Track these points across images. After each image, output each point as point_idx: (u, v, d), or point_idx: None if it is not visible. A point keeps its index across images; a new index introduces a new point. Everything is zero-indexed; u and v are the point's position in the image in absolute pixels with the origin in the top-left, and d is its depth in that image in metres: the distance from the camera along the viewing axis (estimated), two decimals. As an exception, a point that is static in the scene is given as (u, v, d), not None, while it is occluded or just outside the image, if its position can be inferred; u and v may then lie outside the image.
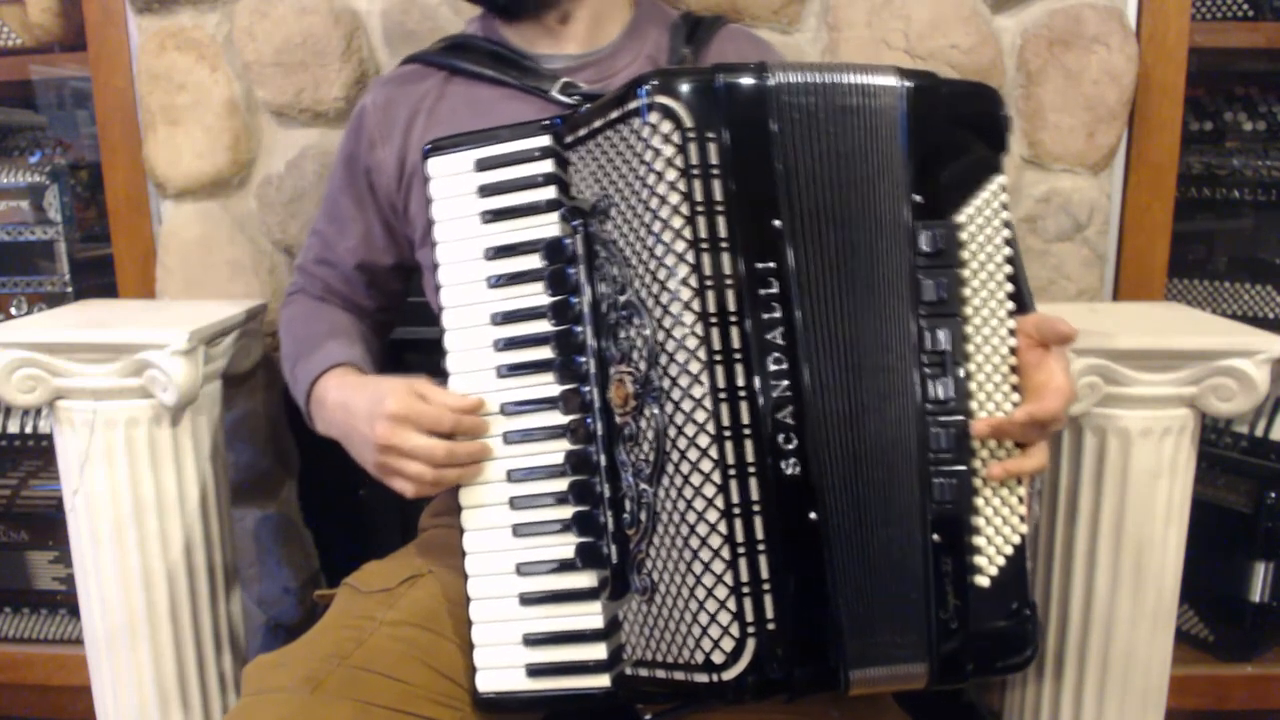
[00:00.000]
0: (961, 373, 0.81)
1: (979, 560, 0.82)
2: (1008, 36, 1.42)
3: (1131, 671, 1.25)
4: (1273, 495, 1.57)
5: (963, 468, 0.81)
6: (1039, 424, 0.82)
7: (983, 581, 0.82)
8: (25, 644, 1.75)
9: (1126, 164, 1.46)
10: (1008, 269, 0.84)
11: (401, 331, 1.28)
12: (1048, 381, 0.83)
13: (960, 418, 0.81)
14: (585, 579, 0.86)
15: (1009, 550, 0.83)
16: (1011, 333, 0.84)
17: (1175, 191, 1.47)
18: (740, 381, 0.76)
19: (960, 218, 0.82)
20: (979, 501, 0.82)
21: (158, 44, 1.47)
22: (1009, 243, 0.84)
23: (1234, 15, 1.58)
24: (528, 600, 0.87)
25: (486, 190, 0.89)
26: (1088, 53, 1.38)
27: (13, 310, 1.74)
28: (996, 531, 0.83)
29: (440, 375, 0.92)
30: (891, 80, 0.81)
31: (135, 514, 1.27)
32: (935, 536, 0.81)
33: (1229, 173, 1.69)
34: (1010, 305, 0.84)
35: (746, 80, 0.78)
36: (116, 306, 1.49)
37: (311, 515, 1.65)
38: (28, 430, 1.74)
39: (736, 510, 0.76)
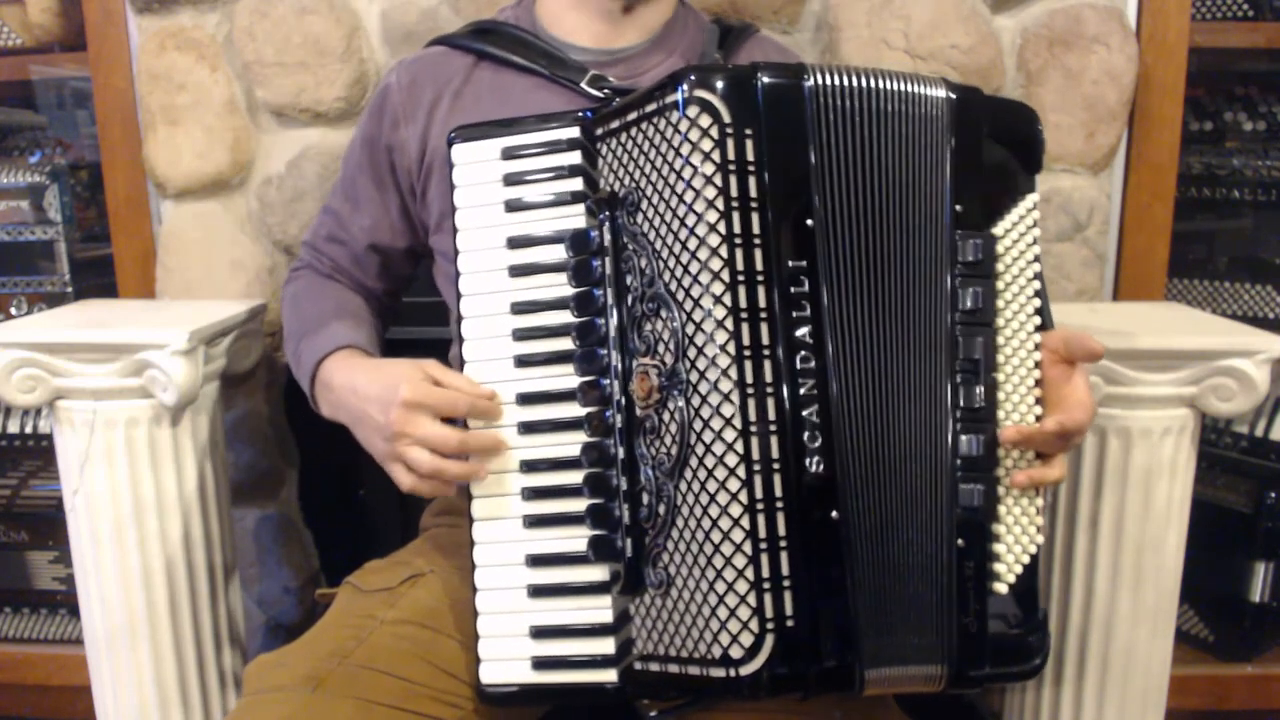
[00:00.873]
0: (992, 382, 0.83)
1: (998, 567, 0.83)
2: (1008, 36, 1.42)
3: (1131, 671, 1.25)
4: (1273, 495, 1.57)
5: (991, 475, 0.83)
6: (1066, 434, 0.83)
7: (1001, 588, 0.83)
8: (25, 644, 1.75)
9: (1126, 164, 1.46)
10: (1036, 284, 0.85)
11: (400, 331, 1.28)
12: (1072, 395, 0.85)
13: (990, 425, 0.82)
14: (597, 572, 0.85)
15: (1026, 559, 0.84)
16: (1037, 346, 0.85)
17: (1175, 191, 1.47)
18: (768, 378, 0.76)
19: (997, 230, 0.84)
20: (1001, 509, 0.83)
21: (158, 44, 1.47)
22: (1037, 259, 0.86)
23: (1234, 15, 1.58)
24: (536, 592, 0.86)
25: (511, 179, 0.88)
26: (1088, 53, 1.38)
27: (13, 310, 1.74)
28: (1016, 540, 0.84)
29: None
30: (940, 91, 0.83)
31: (135, 514, 1.27)
32: (960, 541, 0.81)
33: (1229, 173, 1.69)
34: (1037, 320, 0.85)
35: (786, 80, 0.79)
36: (116, 306, 1.49)
37: (311, 515, 1.65)
38: (28, 430, 1.74)
39: (760, 506, 0.76)
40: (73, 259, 1.73)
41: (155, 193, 1.54)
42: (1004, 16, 1.42)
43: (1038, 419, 0.84)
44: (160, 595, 1.29)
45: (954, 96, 0.83)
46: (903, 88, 0.82)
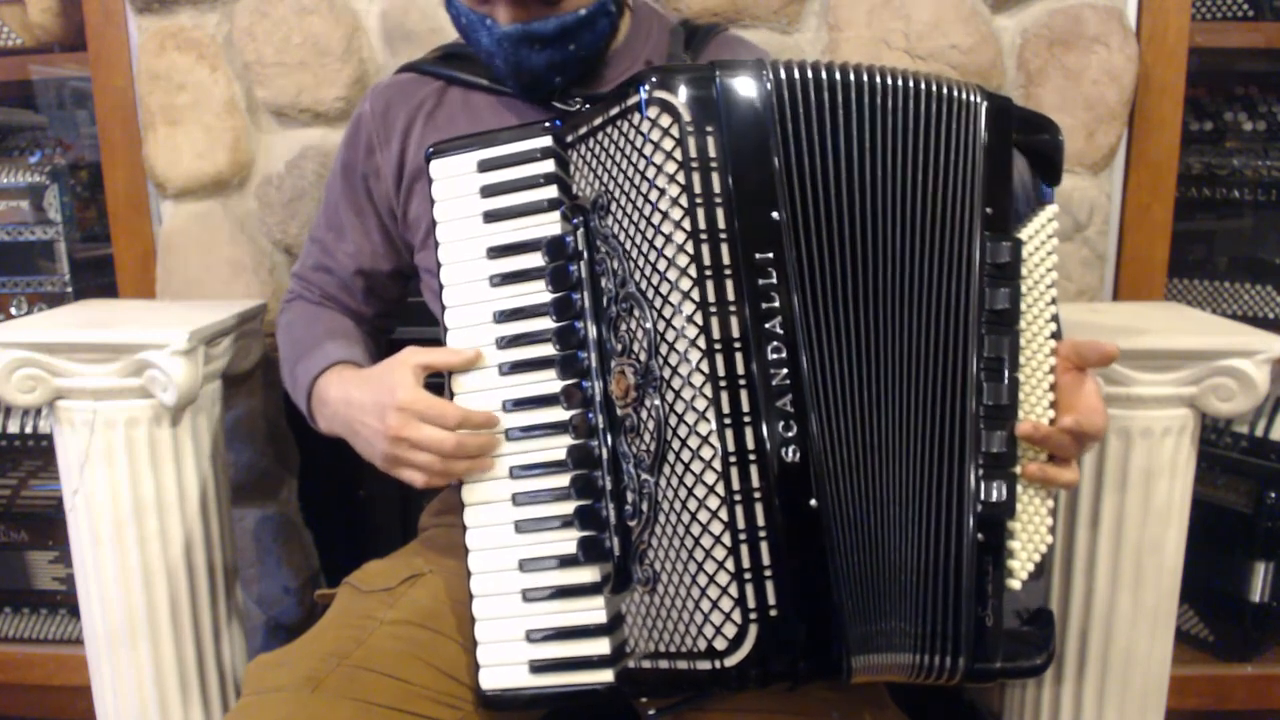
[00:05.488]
0: (1015, 381, 0.83)
1: (1013, 564, 0.84)
2: (1008, 36, 1.42)
3: (1131, 671, 1.25)
4: (1273, 495, 1.57)
5: (1011, 472, 0.83)
6: (1081, 434, 0.84)
7: (1014, 585, 0.84)
8: (25, 644, 1.75)
9: (1126, 164, 1.47)
10: (1053, 292, 0.86)
11: (401, 331, 1.28)
12: (1084, 401, 0.86)
13: (1013, 423, 0.83)
14: (588, 574, 0.86)
15: (1037, 558, 0.85)
16: (1052, 352, 0.86)
17: (1175, 191, 1.47)
18: (740, 369, 0.77)
19: (1022, 235, 0.85)
20: (1018, 507, 0.84)
21: (158, 44, 1.47)
22: (1054, 268, 0.87)
23: (1234, 15, 1.58)
24: (530, 597, 0.87)
25: (489, 191, 0.90)
26: (1088, 53, 1.38)
27: (13, 310, 1.74)
28: (1029, 538, 0.85)
29: (438, 373, 0.92)
30: (975, 97, 0.84)
31: (135, 514, 1.27)
32: (980, 535, 0.82)
33: (1229, 173, 1.69)
34: (1053, 326, 0.86)
35: (745, 76, 0.80)
36: (116, 306, 1.49)
37: (311, 515, 1.65)
38: (28, 430, 1.74)
39: (737, 497, 0.76)
40: (73, 259, 1.73)
41: (155, 193, 1.54)
42: (1004, 16, 1.42)
43: (1051, 423, 0.85)
44: (160, 595, 1.29)
45: (988, 103, 0.84)
46: (910, 85, 0.82)
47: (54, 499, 1.70)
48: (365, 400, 0.93)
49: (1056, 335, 0.87)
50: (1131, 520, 1.21)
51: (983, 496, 0.82)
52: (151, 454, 1.27)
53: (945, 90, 0.83)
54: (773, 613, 0.76)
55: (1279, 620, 1.63)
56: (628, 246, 0.81)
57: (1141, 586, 1.22)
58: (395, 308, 1.23)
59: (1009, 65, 1.42)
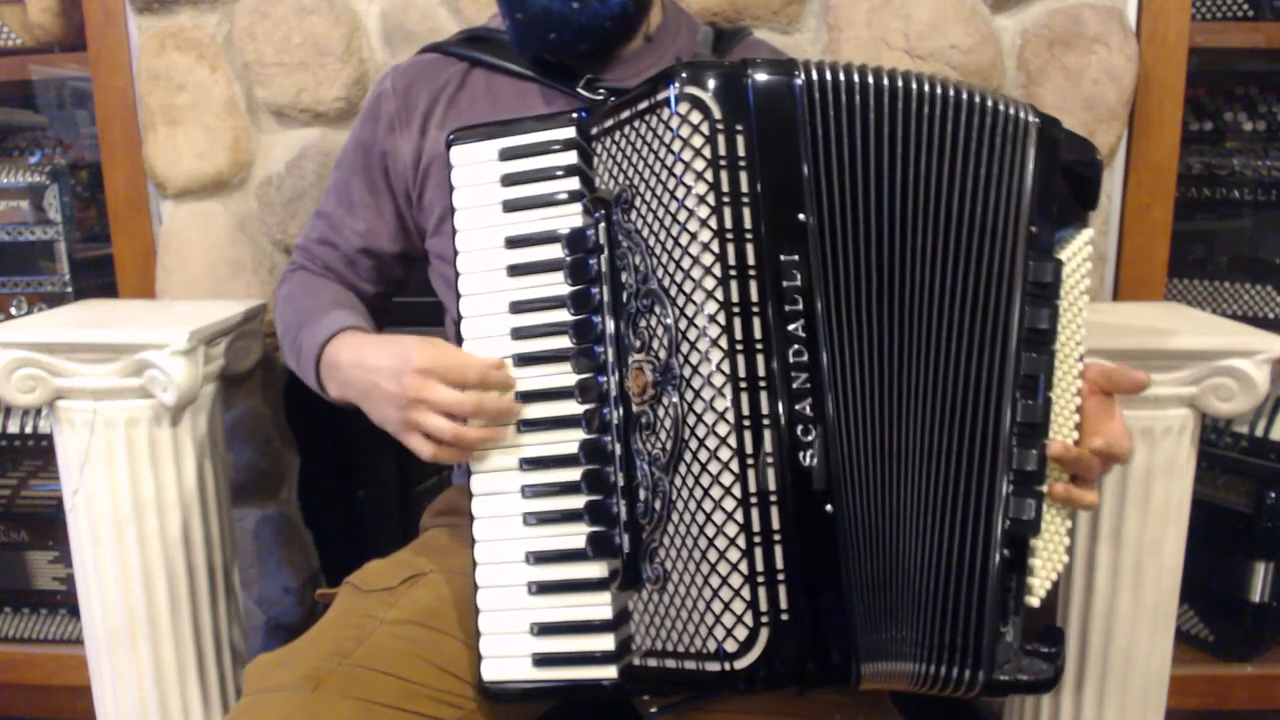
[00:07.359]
0: (1048, 401, 0.83)
1: (1033, 581, 0.84)
2: (1008, 36, 1.42)
3: (1131, 671, 1.25)
4: (1273, 495, 1.57)
5: (1040, 490, 0.83)
6: (1109, 456, 0.83)
7: (1034, 602, 0.83)
8: (25, 644, 1.75)
9: (1126, 164, 1.46)
10: (1084, 315, 0.86)
11: (399, 332, 1.28)
12: (1109, 424, 0.86)
13: (1044, 442, 0.83)
14: (595, 569, 0.86)
15: (1055, 576, 0.85)
16: (1080, 375, 0.86)
17: (1175, 191, 1.47)
18: (761, 371, 0.76)
19: (1062, 256, 0.85)
20: (1041, 525, 0.84)
21: (158, 44, 1.47)
22: (1086, 292, 0.86)
23: (1234, 15, 1.59)
24: (537, 589, 0.87)
25: (509, 180, 0.89)
26: (1088, 53, 1.38)
27: (13, 310, 1.74)
28: (1049, 557, 0.84)
29: None
30: (1024, 114, 0.83)
31: (135, 514, 1.27)
32: (1006, 552, 0.81)
33: (1229, 173, 1.69)
34: (1082, 349, 0.86)
35: (776, 76, 0.79)
36: (116, 306, 1.49)
37: (311, 515, 1.65)
38: (28, 430, 1.74)
39: (754, 499, 0.75)
40: (73, 259, 1.73)
41: (155, 193, 1.54)
42: (1004, 16, 1.42)
43: (1076, 444, 0.85)
44: (160, 595, 1.29)
45: (1040, 122, 0.84)
46: (953, 95, 0.81)
47: (54, 499, 1.70)
48: (382, 363, 0.92)
49: (1082, 358, 0.87)
50: (1131, 520, 1.21)
51: (1011, 513, 0.82)
52: (151, 454, 1.27)
53: (994, 104, 0.82)
54: (784, 617, 0.75)
55: (1279, 620, 1.63)
56: (651, 243, 0.80)
57: (1141, 586, 1.22)
58: (397, 289, 1.21)
59: (1009, 65, 1.42)
